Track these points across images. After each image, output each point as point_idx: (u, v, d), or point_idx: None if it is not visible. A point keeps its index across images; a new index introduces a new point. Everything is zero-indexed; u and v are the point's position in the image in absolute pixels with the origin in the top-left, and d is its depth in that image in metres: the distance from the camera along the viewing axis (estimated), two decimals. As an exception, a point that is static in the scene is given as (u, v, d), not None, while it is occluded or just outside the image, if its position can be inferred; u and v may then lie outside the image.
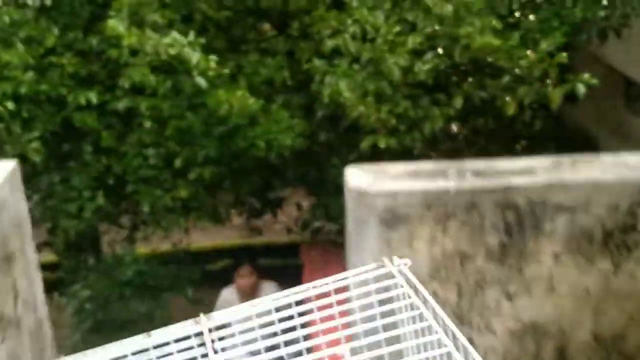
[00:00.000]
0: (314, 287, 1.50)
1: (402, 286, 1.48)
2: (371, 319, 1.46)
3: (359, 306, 1.49)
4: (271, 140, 4.73)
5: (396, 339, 1.43)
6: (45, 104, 5.57)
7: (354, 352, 1.40)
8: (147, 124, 5.30)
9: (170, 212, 5.83)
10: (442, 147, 4.79)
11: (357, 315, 1.48)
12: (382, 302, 1.49)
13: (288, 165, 5.36)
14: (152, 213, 6.01)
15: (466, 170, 2.15)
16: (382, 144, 4.26)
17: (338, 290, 1.51)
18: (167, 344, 1.45)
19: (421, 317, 1.42)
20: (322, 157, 5.42)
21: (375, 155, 4.76)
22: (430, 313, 1.40)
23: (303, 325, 1.51)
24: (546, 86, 4.30)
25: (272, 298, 1.52)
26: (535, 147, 6.76)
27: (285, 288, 1.54)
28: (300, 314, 1.51)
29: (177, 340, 1.44)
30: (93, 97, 5.36)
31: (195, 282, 6.92)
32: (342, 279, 1.53)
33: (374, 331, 1.45)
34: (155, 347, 1.43)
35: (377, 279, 1.49)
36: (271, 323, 1.49)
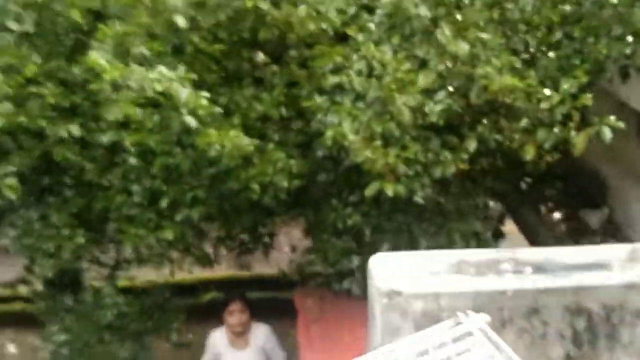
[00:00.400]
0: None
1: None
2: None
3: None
4: (266, 182, 4.35)
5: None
6: (23, 137, 5.18)
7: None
8: (132, 160, 4.93)
9: (155, 255, 5.45)
10: (453, 189, 4.40)
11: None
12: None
13: (282, 205, 4.97)
14: (135, 253, 5.64)
15: (524, 263, 1.76)
16: (389, 191, 3.88)
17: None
18: None
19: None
20: (321, 198, 5.04)
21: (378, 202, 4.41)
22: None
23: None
24: (568, 130, 3.93)
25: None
26: (542, 185, 6.42)
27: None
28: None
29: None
30: (75, 130, 4.98)
31: (181, 319, 6.52)
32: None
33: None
34: None
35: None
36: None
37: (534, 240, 6.00)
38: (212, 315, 7.70)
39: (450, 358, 1.65)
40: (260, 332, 5.21)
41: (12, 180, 5.00)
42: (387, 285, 1.72)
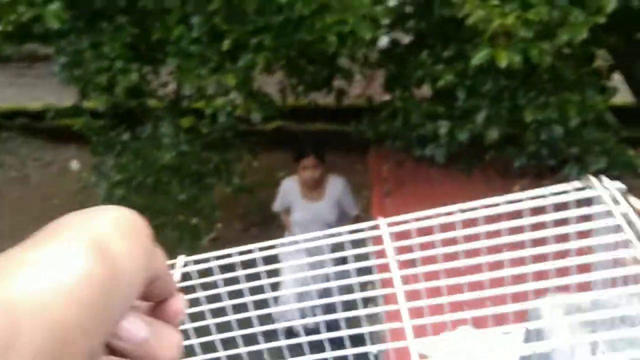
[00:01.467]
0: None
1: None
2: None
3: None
4: (345, 33, 3.59)
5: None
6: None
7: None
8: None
9: (218, 94, 4.86)
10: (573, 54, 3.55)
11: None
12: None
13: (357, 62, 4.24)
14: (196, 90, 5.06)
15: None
16: (502, 61, 3.09)
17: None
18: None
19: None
20: (407, 50, 4.26)
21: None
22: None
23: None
24: None
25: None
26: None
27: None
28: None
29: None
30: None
31: (244, 159, 6.09)
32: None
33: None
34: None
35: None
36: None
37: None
38: (277, 144, 7.29)
39: (569, 223, 1.41)
40: (337, 185, 4.71)
41: (56, 5, 4.40)
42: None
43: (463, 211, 1.33)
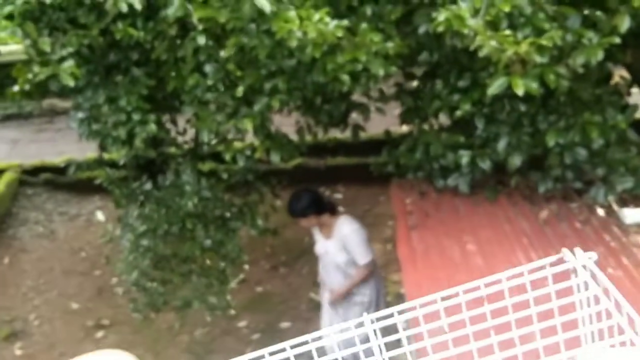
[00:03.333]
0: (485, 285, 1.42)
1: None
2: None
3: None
4: (357, 71, 3.59)
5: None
6: (80, 12, 4.55)
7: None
8: (201, 38, 4.24)
9: (236, 138, 4.87)
10: (590, 76, 3.49)
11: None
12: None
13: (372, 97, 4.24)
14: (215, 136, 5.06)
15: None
16: (519, 90, 3.05)
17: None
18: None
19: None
20: (421, 81, 4.24)
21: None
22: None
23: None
24: None
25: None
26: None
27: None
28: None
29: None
30: (136, 2, 4.31)
31: (267, 201, 6.07)
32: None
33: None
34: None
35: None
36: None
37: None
38: (299, 181, 7.27)
39: (548, 298, 1.62)
40: (343, 229, 4.70)
41: (70, 64, 4.45)
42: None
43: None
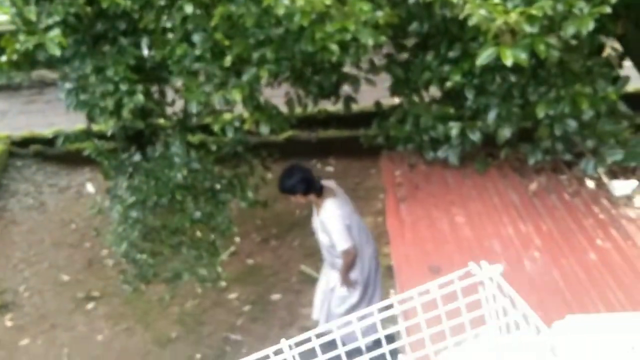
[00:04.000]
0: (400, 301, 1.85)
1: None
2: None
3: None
4: (347, 41, 3.54)
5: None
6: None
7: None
8: (189, 8, 4.18)
9: (225, 109, 4.81)
10: (581, 46, 3.45)
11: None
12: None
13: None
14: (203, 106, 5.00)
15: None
16: (508, 60, 3.02)
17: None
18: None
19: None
20: (412, 52, 4.20)
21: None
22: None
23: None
24: None
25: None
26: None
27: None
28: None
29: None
30: (121, -30, 4.25)
31: (257, 173, 6.03)
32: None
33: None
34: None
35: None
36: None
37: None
38: (290, 154, 7.23)
39: (459, 310, 1.80)
40: (323, 213, 4.69)
41: (56, 33, 4.38)
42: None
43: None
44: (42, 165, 9.06)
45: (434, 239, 3.68)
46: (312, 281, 6.10)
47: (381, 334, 2.09)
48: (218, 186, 5.65)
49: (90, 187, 8.61)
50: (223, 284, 6.38)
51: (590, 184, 4.06)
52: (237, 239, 7.21)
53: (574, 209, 3.86)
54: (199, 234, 5.83)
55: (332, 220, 4.60)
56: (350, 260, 4.73)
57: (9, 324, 6.58)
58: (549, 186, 4.10)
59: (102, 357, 6.04)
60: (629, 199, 3.89)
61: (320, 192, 4.69)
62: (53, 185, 8.75)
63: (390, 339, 2.18)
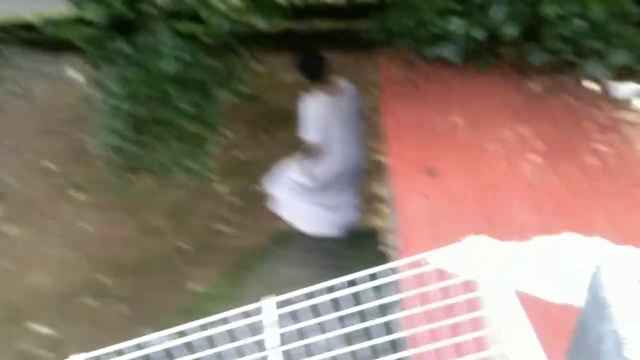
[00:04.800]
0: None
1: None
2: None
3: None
4: None
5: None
6: None
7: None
8: None
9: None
10: None
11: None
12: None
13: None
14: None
15: None
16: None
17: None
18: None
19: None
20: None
21: None
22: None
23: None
24: None
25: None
26: None
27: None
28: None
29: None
30: None
31: (250, 66, 5.85)
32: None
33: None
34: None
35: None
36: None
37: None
38: (285, 46, 7.02)
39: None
40: (316, 95, 4.59)
41: None
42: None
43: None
44: (30, 53, 8.78)
45: (431, 140, 3.59)
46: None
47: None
48: (208, 79, 5.49)
49: (77, 76, 8.39)
50: (212, 176, 6.34)
51: (594, 86, 3.95)
52: (227, 133, 7.11)
53: (574, 111, 3.77)
54: (188, 127, 5.73)
55: (304, 109, 4.55)
56: (309, 151, 4.70)
57: (-1, 213, 6.56)
58: (551, 88, 3.98)
59: (90, 244, 6.06)
60: (630, 102, 3.80)
61: (321, 86, 4.59)
62: (39, 72, 8.52)
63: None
